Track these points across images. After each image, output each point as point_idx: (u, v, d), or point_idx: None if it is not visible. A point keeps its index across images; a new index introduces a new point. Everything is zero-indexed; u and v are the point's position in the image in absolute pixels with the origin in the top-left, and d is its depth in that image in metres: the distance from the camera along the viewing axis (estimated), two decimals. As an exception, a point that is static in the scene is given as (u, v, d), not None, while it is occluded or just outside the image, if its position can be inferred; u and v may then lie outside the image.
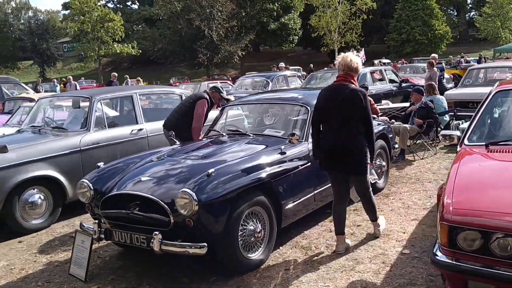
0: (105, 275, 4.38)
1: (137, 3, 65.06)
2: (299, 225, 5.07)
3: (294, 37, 51.74)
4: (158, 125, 7.06)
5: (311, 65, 37.68)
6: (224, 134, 5.38)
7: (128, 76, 34.14)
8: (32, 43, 59.66)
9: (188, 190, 3.73)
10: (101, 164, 4.70)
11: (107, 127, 6.47)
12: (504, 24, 48.83)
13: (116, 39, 45.84)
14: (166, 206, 3.84)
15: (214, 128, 5.74)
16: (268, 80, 14.39)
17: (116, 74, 18.88)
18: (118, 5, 62.80)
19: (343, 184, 4.46)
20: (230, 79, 43.07)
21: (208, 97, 6.27)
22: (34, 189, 5.69)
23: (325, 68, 23.33)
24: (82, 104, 6.55)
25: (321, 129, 4.39)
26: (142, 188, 4.07)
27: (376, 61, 40.68)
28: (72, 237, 5.44)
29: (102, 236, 4.21)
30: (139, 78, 22.99)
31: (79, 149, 6.07)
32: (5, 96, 14.56)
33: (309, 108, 5.13)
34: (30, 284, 4.32)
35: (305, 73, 24.87)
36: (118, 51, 46.34)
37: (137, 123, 6.82)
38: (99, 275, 4.39)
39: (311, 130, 4.57)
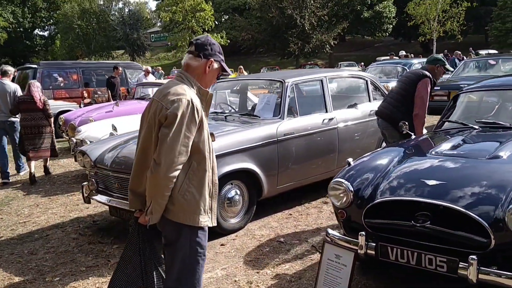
0: (367, 300, 3.52)
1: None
2: None
3: (388, 26, 49.49)
4: (347, 114, 6.18)
5: (412, 55, 35.53)
6: (476, 126, 4.34)
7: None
8: (124, 33, 61.46)
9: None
10: (350, 160, 3.82)
11: (299, 115, 5.63)
12: None
13: (206, 29, 45.90)
14: (484, 223, 2.88)
15: (450, 119, 4.71)
16: (405, 68, 13.21)
17: None
18: (207, -5, 63.05)
19: None
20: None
21: (430, 75, 5.18)
22: (231, 184, 4.97)
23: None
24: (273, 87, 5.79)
25: None
26: (438, 196, 3.13)
27: (483, 52, 38.05)
28: (281, 242, 4.69)
29: (371, 252, 3.33)
30: (241, 66, 21.80)
31: (276, 139, 5.28)
32: (129, 81, 14.37)
33: None
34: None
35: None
36: (208, 40, 46.28)
37: (326, 111, 5.94)
38: (357, 300, 3.54)
39: None
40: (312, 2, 42.69)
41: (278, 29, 44.25)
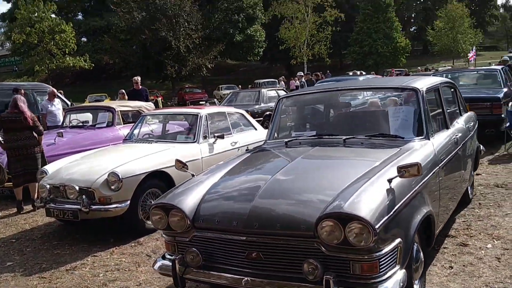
0: None
1: (81, 14, 60.76)
2: None
3: (259, 50, 50.24)
4: (459, 130, 4.98)
5: (283, 76, 36.12)
6: None
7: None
8: (-36, 57, 53.90)
9: None
10: None
11: (434, 132, 4.27)
12: (456, 38, 49.85)
13: (67, 52, 41.75)
14: None
15: None
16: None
17: (139, 79, 14.36)
18: (64, 15, 58.01)
19: None
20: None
21: None
22: (411, 237, 3.41)
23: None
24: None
25: None
26: None
27: (351, 72, 40.22)
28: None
29: None
30: (122, 90, 17.95)
31: (437, 166, 3.85)
32: (39, 106, 11.53)
33: None
34: None
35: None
36: (71, 64, 42.19)
37: (447, 127, 4.68)
38: None
39: None
40: (186, 24, 41.32)
41: (151, 51, 41.91)
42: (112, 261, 4.87)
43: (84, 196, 5.27)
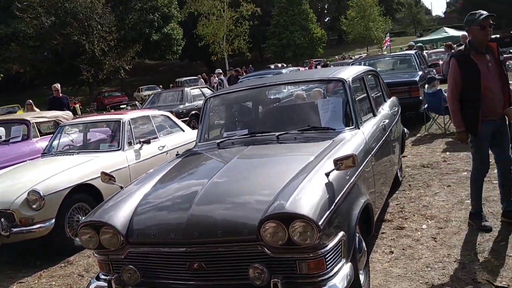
0: None
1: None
2: None
3: (178, 48, 49.45)
4: (386, 117, 5.08)
5: (204, 74, 35.91)
6: None
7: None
8: None
9: None
10: None
11: (362, 121, 4.31)
12: (368, 26, 51.91)
13: (-31, 63, 39.08)
14: None
15: None
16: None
17: (59, 86, 13.32)
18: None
19: None
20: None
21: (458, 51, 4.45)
22: (352, 228, 3.39)
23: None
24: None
25: None
26: None
27: (272, 65, 40.53)
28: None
29: None
30: (30, 101, 15.97)
31: (371, 154, 3.89)
32: None
33: None
34: None
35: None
36: (-24, 76, 39.43)
37: (374, 114, 4.75)
38: None
39: None
40: (99, 27, 39.79)
41: (64, 56, 40.05)
42: (41, 285, 4.52)
43: (2, 219, 4.86)
